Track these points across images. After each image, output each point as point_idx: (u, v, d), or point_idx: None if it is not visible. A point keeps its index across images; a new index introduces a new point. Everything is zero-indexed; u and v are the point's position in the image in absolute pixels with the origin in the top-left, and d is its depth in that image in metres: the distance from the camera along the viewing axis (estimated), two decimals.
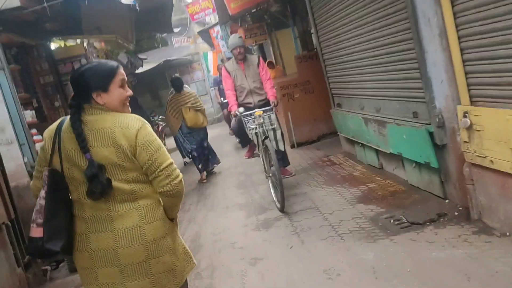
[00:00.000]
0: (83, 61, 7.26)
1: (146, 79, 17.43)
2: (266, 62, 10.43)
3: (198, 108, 7.54)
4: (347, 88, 6.01)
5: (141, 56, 14.64)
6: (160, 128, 11.85)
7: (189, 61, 17.02)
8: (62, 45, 7.43)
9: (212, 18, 20.10)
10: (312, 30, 6.69)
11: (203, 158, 7.63)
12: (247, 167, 7.82)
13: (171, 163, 2.00)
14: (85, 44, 7.24)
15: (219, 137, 12.47)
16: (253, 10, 12.38)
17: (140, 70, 15.84)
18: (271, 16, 11.72)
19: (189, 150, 7.59)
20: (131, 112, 2.06)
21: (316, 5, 6.45)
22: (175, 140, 7.91)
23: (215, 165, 8.01)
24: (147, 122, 2.04)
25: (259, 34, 12.43)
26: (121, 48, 7.90)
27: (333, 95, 6.80)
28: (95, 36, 7.10)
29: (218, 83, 11.69)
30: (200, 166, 7.55)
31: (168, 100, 7.63)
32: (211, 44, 13.72)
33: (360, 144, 5.92)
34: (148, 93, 17.84)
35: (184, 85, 7.71)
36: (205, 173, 7.63)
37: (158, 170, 1.94)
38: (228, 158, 9.18)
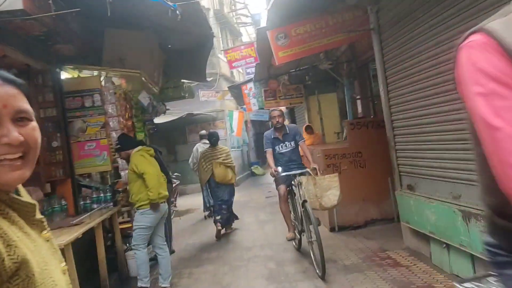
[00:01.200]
0: (97, 97, 6.04)
1: (164, 131, 16.31)
2: (304, 126, 9.16)
3: (229, 165, 7.68)
4: (429, 167, 4.55)
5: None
6: (174, 186, 10.41)
7: (212, 118, 15.98)
8: (76, 76, 6.27)
9: (241, 75, 19.43)
10: (381, 92, 5.40)
11: (225, 215, 7.69)
12: (277, 250, 6.22)
13: None
14: (102, 77, 6.07)
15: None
16: (292, 71, 11.39)
17: (159, 120, 14.75)
18: (315, 78, 10.64)
19: (211, 205, 7.91)
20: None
21: (391, 65, 5.19)
22: (202, 191, 8.29)
23: (231, 224, 8.04)
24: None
25: (295, 96, 11.32)
26: (145, 89, 6.71)
27: (402, 174, 5.35)
28: (116, 70, 5.95)
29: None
30: (218, 218, 7.55)
31: (202, 152, 7.97)
32: (241, 102, 12.64)
33: (444, 245, 4.35)
34: (164, 147, 16.61)
35: (203, 140, 8.70)
36: (221, 227, 7.57)
37: None
38: (250, 232, 7.61)
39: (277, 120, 5.98)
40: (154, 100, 7.35)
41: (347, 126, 6.82)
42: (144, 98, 6.46)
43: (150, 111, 7.09)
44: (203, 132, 11.40)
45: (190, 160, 11.73)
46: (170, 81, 10.32)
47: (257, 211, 9.69)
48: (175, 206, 10.40)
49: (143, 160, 4.96)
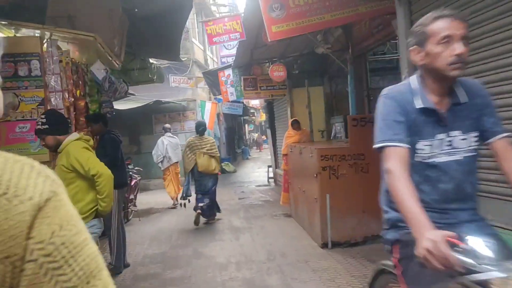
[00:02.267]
0: (35, 65, 4.61)
1: (127, 119, 14.76)
2: (291, 121, 7.96)
3: (213, 155, 7.66)
4: None
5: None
6: (133, 182, 9.00)
7: (183, 108, 14.56)
8: (11, 35, 4.81)
9: (215, 64, 18.03)
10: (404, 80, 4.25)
11: (208, 204, 7.64)
12: (257, 271, 4.97)
13: None
14: (45, 39, 4.64)
15: None
16: (275, 59, 10.15)
17: (122, 106, 13.22)
18: (303, 67, 9.45)
19: (188, 195, 7.88)
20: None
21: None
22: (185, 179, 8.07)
23: (214, 216, 7.91)
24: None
25: (278, 87, 10.10)
26: (102, 60, 5.29)
27: None
28: (62, 30, 4.53)
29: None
30: (201, 206, 7.54)
31: (188, 141, 7.86)
32: (216, 91, 11.31)
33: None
34: (127, 136, 15.07)
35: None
36: (201, 215, 7.58)
37: None
38: (223, 243, 6.34)
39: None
40: (113, 77, 5.90)
41: (349, 122, 5.64)
42: (98, 70, 5.05)
43: (106, 87, 5.66)
44: (168, 125, 10.87)
45: (153, 152, 10.47)
46: (136, 60, 8.90)
47: (230, 215, 8.42)
48: (134, 205, 8.99)
49: (89, 154, 3.55)
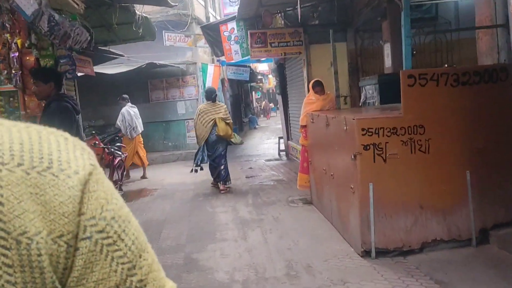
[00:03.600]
0: None
1: (118, 86, 13.07)
2: (312, 83, 6.26)
3: (228, 121, 7.68)
4: None
5: (115, 50, 10.35)
6: (116, 161, 7.45)
7: (181, 72, 12.81)
8: None
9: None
10: None
11: (223, 169, 7.69)
12: None
13: None
14: None
15: None
16: (289, 9, 8.32)
17: (110, 70, 11.53)
18: (322, 19, 7.63)
19: (206, 161, 7.73)
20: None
21: None
22: (198, 150, 7.88)
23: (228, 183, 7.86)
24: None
25: (293, 43, 8.32)
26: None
27: None
28: None
29: None
30: (220, 176, 7.68)
31: (201, 108, 7.78)
32: (218, 50, 9.53)
33: None
34: (118, 105, 13.44)
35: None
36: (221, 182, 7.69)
37: None
38: (226, 245, 4.77)
39: None
40: (57, 13, 4.14)
41: (403, 78, 3.91)
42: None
43: (43, 29, 3.90)
44: (126, 96, 10.50)
45: (119, 123, 9.97)
46: (115, 9, 7.15)
47: (236, 201, 6.86)
48: (119, 189, 7.46)
49: None
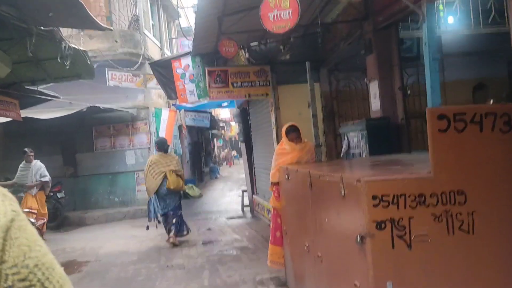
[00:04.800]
0: None
1: (58, 132, 11.37)
2: (287, 128, 4.94)
3: (179, 173, 7.55)
4: None
5: (47, 91, 8.79)
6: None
7: (131, 117, 11.32)
8: None
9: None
10: None
11: (178, 222, 7.44)
12: None
13: None
14: None
15: None
16: (254, 44, 7.16)
17: (46, 115, 9.88)
18: (294, 51, 6.45)
19: (160, 214, 7.42)
20: None
21: None
22: (148, 202, 7.58)
23: (185, 232, 7.60)
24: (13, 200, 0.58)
25: (259, 83, 7.11)
26: None
27: None
28: None
29: None
30: (172, 228, 7.32)
31: (152, 159, 7.56)
32: (171, 91, 8.15)
33: None
34: (59, 155, 11.66)
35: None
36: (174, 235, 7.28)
37: None
38: None
39: None
40: None
41: (433, 121, 2.61)
42: None
43: None
44: (27, 149, 9.25)
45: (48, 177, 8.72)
46: (39, 39, 5.68)
47: (188, 282, 5.24)
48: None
49: None
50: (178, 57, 7.29)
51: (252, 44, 7.21)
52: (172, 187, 7.25)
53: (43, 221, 6.43)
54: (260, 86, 7.24)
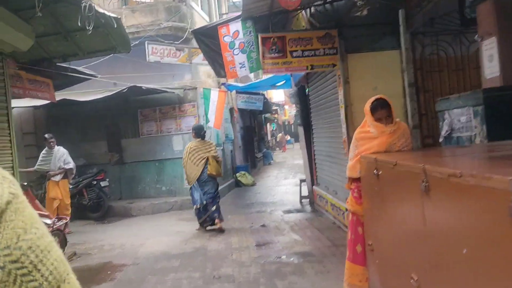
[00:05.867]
0: None
1: (102, 116, 10.66)
2: (372, 103, 3.56)
3: (218, 160, 7.47)
4: None
5: (83, 69, 7.93)
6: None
7: (178, 99, 10.35)
8: None
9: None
10: None
11: (217, 208, 7.28)
12: None
13: None
14: None
15: None
16: (318, 3, 5.80)
17: (82, 97, 9.09)
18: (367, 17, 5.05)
19: (204, 202, 7.24)
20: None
21: None
22: (191, 190, 7.43)
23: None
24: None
25: (324, 52, 5.74)
26: None
27: None
28: None
29: None
30: (215, 215, 7.23)
31: (190, 146, 7.41)
32: (218, 67, 6.98)
33: None
34: (104, 141, 10.96)
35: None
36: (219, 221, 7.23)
37: None
38: None
39: None
40: None
41: None
42: None
43: None
44: (47, 135, 8.22)
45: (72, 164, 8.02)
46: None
47: None
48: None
49: None
50: (226, 23, 6.05)
51: (316, 3, 5.85)
52: (214, 173, 7.19)
53: (63, 222, 5.52)
54: (325, 55, 5.87)
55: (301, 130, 9.69)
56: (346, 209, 4.21)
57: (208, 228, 7.31)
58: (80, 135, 10.97)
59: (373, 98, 3.48)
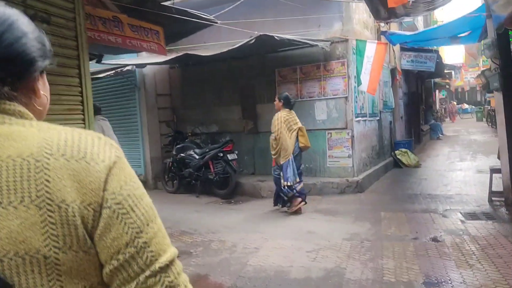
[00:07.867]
0: None
1: (234, 75, 9.18)
2: None
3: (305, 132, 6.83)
4: None
5: (205, 14, 6.31)
6: None
7: (324, 55, 8.17)
8: None
9: None
10: None
11: (302, 187, 6.75)
12: None
13: (174, 259, 0.80)
14: None
15: None
16: None
17: (204, 51, 7.58)
18: None
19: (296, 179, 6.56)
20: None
21: None
22: (286, 166, 6.50)
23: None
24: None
25: None
26: None
27: None
28: None
29: None
30: (303, 194, 6.68)
31: (283, 115, 6.61)
32: (379, 2, 4.54)
33: None
34: (238, 105, 9.48)
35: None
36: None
37: (148, 274, 0.76)
38: None
39: None
40: None
41: None
42: None
43: None
44: (98, 104, 6.48)
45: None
46: None
47: None
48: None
49: None
50: None
51: None
52: (308, 145, 6.75)
53: None
54: None
55: (497, 97, 6.66)
56: None
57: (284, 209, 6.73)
58: (216, 99, 9.73)
59: None
